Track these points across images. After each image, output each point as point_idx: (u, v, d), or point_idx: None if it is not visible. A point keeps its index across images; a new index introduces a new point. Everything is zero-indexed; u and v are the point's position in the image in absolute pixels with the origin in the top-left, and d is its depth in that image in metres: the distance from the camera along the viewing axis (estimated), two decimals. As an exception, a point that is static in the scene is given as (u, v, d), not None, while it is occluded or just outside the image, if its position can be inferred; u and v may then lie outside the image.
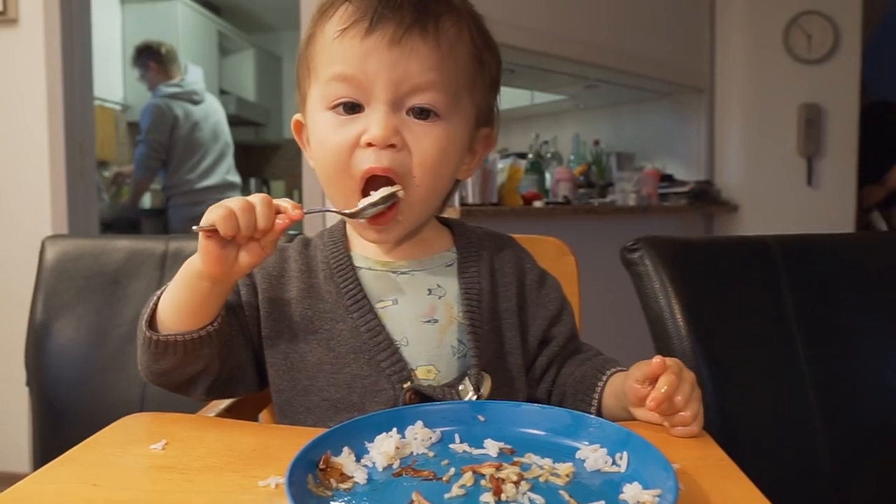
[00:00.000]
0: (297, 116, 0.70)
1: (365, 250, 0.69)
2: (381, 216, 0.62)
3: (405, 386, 0.62)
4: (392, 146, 0.60)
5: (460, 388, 0.63)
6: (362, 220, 0.62)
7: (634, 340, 1.23)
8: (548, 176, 2.64)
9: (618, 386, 0.63)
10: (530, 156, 2.71)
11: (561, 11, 2.49)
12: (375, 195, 0.61)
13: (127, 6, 4.13)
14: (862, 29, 2.95)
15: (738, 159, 3.12)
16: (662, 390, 0.54)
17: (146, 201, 3.82)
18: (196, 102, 3.10)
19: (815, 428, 1.03)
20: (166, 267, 1.25)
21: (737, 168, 3.13)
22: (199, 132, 3.08)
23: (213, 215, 0.53)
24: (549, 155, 2.89)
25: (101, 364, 1.21)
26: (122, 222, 3.46)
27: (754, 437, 1.01)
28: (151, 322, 0.60)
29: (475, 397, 0.62)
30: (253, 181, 5.34)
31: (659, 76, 2.92)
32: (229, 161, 3.24)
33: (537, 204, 2.31)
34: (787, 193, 3.02)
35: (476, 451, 0.50)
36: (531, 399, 0.71)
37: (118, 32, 4.06)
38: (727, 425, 1.00)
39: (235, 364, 0.66)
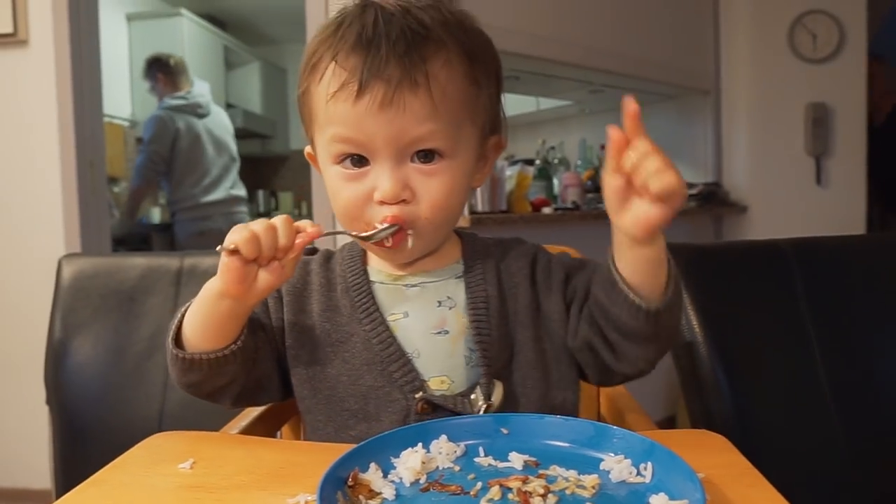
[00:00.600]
0: (308, 149, 0.72)
1: (379, 264, 0.71)
2: (390, 242, 0.63)
3: (416, 396, 0.63)
4: (402, 201, 0.62)
5: (472, 396, 0.63)
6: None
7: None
8: (556, 182, 2.64)
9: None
10: (538, 162, 2.70)
11: (564, 17, 2.49)
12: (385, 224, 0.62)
13: (133, 23, 4.17)
14: (867, 26, 2.94)
15: (745, 160, 3.11)
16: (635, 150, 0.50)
17: (155, 216, 3.84)
18: (201, 115, 3.10)
19: (834, 429, 1.03)
20: (181, 283, 1.26)
21: (745, 169, 3.12)
22: (202, 146, 3.08)
23: (236, 236, 0.55)
24: (556, 161, 2.88)
25: (120, 381, 1.22)
26: (134, 237, 3.47)
27: (772, 440, 1.01)
28: (178, 338, 0.62)
29: (485, 405, 0.63)
30: (261, 193, 5.37)
31: (664, 79, 2.91)
32: (234, 175, 3.23)
33: (546, 210, 2.31)
34: (796, 193, 3.00)
35: (501, 465, 0.50)
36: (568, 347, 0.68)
37: (125, 49, 4.10)
38: (745, 429, 1.00)
39: (262, 374, 0.68)
